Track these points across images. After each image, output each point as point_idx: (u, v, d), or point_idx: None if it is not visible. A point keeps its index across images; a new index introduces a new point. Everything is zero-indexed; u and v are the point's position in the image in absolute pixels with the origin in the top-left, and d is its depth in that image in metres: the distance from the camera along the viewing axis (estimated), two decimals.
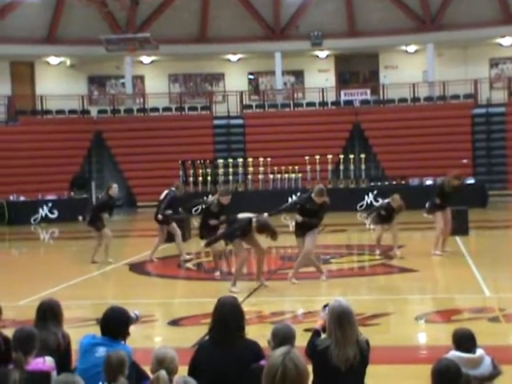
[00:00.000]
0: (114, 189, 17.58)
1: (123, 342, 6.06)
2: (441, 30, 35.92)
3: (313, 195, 13.60)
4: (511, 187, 32.05)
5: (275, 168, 30.37)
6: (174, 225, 17.67)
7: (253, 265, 14.35)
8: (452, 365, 5.04)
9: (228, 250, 14.97)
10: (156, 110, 36.64)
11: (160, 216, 17.36)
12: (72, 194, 31.22)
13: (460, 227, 18.91)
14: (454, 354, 5.67)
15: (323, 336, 5.76)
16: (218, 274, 14.65)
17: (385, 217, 16.88)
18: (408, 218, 19.86)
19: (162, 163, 33.00)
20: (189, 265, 17.07)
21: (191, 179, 30.99)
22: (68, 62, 38.00)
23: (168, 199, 17.37)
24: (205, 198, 29.13)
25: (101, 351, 5.82)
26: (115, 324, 6.08)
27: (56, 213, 29.28)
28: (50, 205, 29.36)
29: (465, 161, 31.84)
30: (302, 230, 13.73)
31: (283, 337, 5.56)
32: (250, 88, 39.08)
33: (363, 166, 30.97)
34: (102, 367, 5.47)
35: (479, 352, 5.77)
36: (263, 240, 13.48)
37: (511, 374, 6.46)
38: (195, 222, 24.92)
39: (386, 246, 17.26)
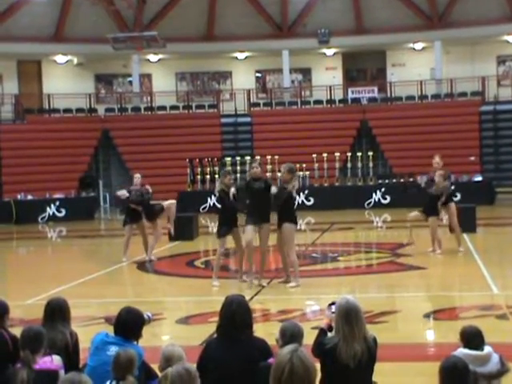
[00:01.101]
0: (134, 179, 17.62)
1: (135, 343, 6.07)
2: (448, 28, 35.81)
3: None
4: None
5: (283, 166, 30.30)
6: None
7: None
8: (460, 362, 5.03)
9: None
10: (163, 108, 36.64)
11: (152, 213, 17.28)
12: (84, 193, 31.34)
13: (467, 224, 18.90)
14: (462, 351, 5.67)
15: (330, 334, 5.76)
16: (216, 284, 13.73)
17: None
18: None
19: (169, 161, 33.02)
20: (197, 263, 17.09)
21: (199, 177, 30.99)
22: (75, 61, 38.03)
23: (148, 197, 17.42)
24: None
25: (112, 350, 5.82)
26: (131, 326, 6.08)
27: (63, 211, 29.32)
28: (57, 203, 29.39)
29: (472, 158, 31.79)
30: (279, 220, 13.23)
31: (291, 335, 5.56)
32: (258, 86, 39.07)
33: (371, 164, 30.93)
34: (110, 365, 5.48)
35: (487, 349, 5.77)
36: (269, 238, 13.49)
37: None
38: (202, 221, 25.01)
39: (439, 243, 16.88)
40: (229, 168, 13.73)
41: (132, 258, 17.32)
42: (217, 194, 13.98)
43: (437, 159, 17.34)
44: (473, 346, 5.70)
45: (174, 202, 17.86)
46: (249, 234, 13.16)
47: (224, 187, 13.55)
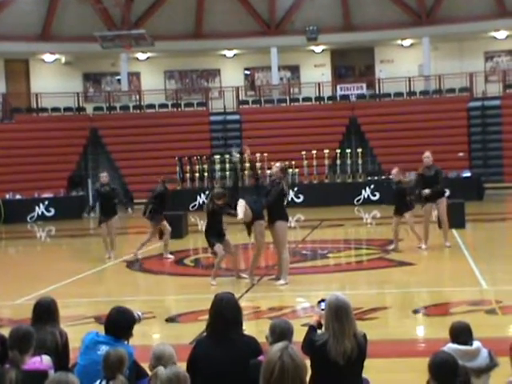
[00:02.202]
0: (101, 177, 17.53)
1: (126, 342, 6.06)
2: (436, 24, 35.90)
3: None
4: (507, 180, 32.04)
5: (272, 163, 30.30)
6: (165, 223, 17.37)
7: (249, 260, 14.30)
8: (449, 357, 5.04)
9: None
10: (152, 106, 36.60)
11: (147, 214, 17.26)
12: (74, 192, 31.25)
13: (456, 220, 18.94)
14: (451, 346, 5.68)
15: (319, 331, 5.76)
16: (214, 283, 13.55)
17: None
18: None
19: (158, 160, 32.95)
20: (186, 261, 17.08)
21: (188, 175, 30.98)
22: (63, 60, 37.91)
23: (152, 195, 17.32)
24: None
25: (103, 349, 5.82)
26: (121, 325, 6.07)
27: (52, 211, 29.24)
28: (46, 203, 29.31)
29: (461, 154, 31.85)
30: (270, 218, 13.29)
31: (281, 332, 5.56)
32: (246, 83, 39.05)
33: (360, 161, 30.97)
34: (101, 365, 5.47)
35: (476, 344, 5.78)
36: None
37: (508, 366, 6.45)
38: (192, 219, 24.98)
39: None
40: (221, 190, 13.64)
41: (121, 257, 17.29)
42: (206, 210, 14.08)
43: (426, 154, 17.36)
44: (462, 341, 5.72)
45: (169, 229, 17.65)
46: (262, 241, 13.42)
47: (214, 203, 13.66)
